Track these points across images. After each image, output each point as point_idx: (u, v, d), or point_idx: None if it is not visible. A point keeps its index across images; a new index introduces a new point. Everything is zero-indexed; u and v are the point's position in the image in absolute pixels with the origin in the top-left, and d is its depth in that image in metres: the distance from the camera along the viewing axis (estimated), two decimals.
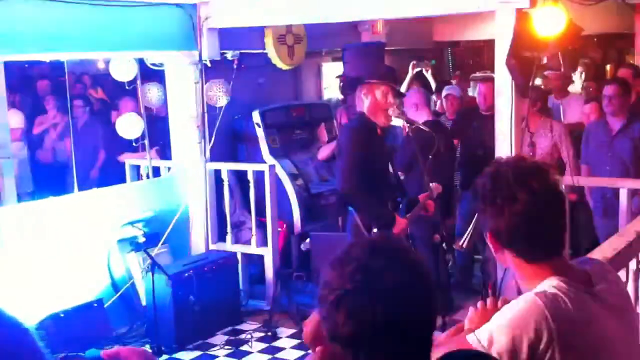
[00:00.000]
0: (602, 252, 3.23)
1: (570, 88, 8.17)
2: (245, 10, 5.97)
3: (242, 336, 5.74)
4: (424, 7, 5.37)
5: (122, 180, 6.72)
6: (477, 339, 1.78)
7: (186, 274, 5.57)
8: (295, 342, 5.58)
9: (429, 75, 7.77)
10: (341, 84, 7.41)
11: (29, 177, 7.43)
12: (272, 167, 6.36)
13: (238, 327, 5.89)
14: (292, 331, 5.78)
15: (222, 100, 6.40)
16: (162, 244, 6.01)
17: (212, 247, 6.48)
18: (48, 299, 5.23)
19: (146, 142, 6.45)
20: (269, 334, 5.75)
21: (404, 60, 7.88)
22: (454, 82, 8.73)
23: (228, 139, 7.16)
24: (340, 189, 4.88)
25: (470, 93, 8.75)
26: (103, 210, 5.84)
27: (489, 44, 5.50)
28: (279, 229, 6.49)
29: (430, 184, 4.93)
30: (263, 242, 6.33)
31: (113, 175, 6.95)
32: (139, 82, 6.37)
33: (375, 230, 4.61)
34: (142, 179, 6.62)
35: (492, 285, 4.97)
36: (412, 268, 1.43)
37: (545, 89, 7.67)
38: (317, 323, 1.53)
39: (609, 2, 6.89)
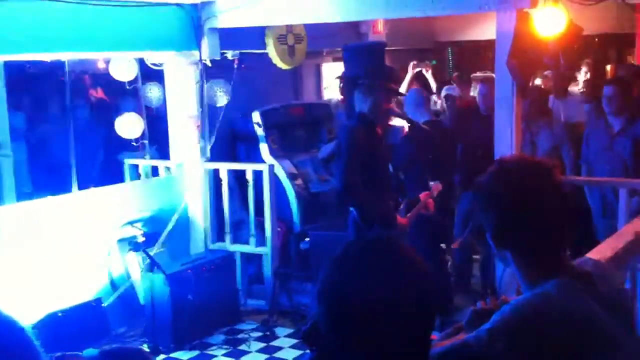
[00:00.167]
0: (602, 252, 3.23)
1: (573, 88, 8.17)
2: (245, 10, 5.96)
3: (240, 336, 5.74)
4: (424, 8, 5.36)
5: (122, 180, 6.72)
6: (477, 338, 1.78)
7: (185, 274, 5.57)
8: (293, 341, 5.58)
9: (429, 75, 7.78)
10: (341, 84, 7.40)
11: (28, 177, 7.40)
12: (271, 166, 6.36)
13: (236, 326, 5.89)
14: (290, 331, 5.78)
15: (222, 100, 6.39)
16: (161, 244, 6.01)
17: (211, 246, 6.48)
18: (47, 298, 5.22)
19: (146, 142, 6.46)
20: (268, 333, 5.75)
21: (404, 60, 7.88)
22: (453, 82, 8.73)
23: (228, 138, 7.16)
24: (340, 188, 4.88)
25: (470, 93, 8.74)
26: (102, 209, 5.84)
27: (490, 44, 5.49)
28: (278, 229, 6.49)
29: (431, 183, 4.93)
30: (262, 242, 6.34)
31: (113, 175, 6.94)
32: (139, 82, 6.38)
33: (375, 229, 4.61)
34: (140, 179, 6.62)
35: (491, 285, 4.97)
36: (411, 268, 1.42)
37: (545, 89, 7.68)
38: None
39: (609, 2, 6.88)
